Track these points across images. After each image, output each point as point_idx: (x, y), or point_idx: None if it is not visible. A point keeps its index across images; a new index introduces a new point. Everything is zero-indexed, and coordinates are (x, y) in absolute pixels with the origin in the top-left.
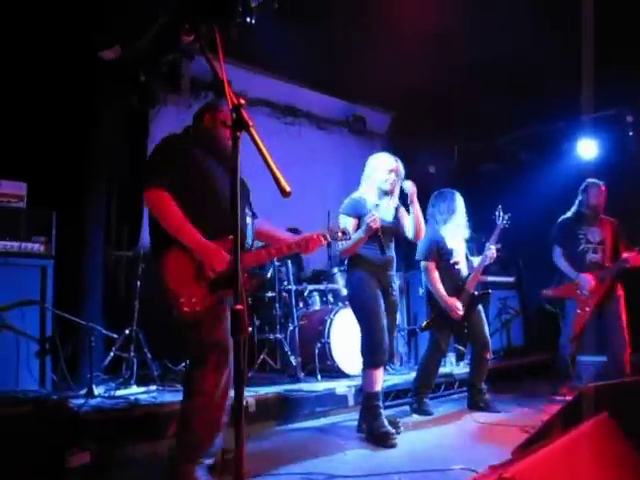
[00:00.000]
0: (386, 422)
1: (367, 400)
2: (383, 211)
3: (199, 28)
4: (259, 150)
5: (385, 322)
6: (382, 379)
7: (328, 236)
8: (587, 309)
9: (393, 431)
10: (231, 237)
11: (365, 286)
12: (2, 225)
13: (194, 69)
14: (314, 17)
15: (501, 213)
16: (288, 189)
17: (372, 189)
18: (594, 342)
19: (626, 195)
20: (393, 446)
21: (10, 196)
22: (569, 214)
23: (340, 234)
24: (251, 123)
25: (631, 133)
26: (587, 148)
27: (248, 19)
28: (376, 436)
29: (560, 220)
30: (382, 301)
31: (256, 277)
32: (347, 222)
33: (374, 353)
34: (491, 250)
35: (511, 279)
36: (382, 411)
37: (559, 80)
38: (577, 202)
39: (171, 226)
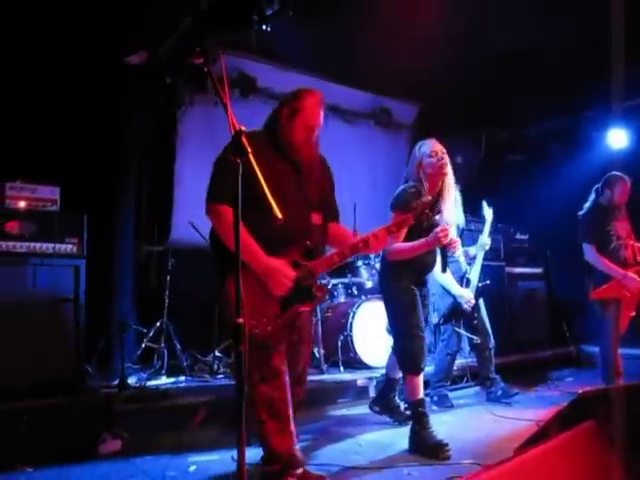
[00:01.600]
0: (435, 432)
1: (413, 408)
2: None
3: (208, 52)
4: (255, 176)
5: (424, 325)
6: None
7: (411, 217)
8: (632, 307)
9: (446, 442)
10: (302, 243)
11: (406, 290)
12: (38, 228)
13: (217, 68)
14: (339, 10)
15: (485, 207)
16: (280, 216)
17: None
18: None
19: None
20: (447, 458)
21: (45, 200)
22: (590, 208)
23: (427, 210)
24: (249, 150)
25: None
26: (617, 138)
27: (264, 27)
28: (428, 448)
29: (586, 215)
30: (421, 304)
31: (325, 287)
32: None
33: (415, 360)
34: (486, 240)
35: (539, 270)
36: (430, 419)
37: (589, 68)
38: (598, 195)
39: (228, 242)
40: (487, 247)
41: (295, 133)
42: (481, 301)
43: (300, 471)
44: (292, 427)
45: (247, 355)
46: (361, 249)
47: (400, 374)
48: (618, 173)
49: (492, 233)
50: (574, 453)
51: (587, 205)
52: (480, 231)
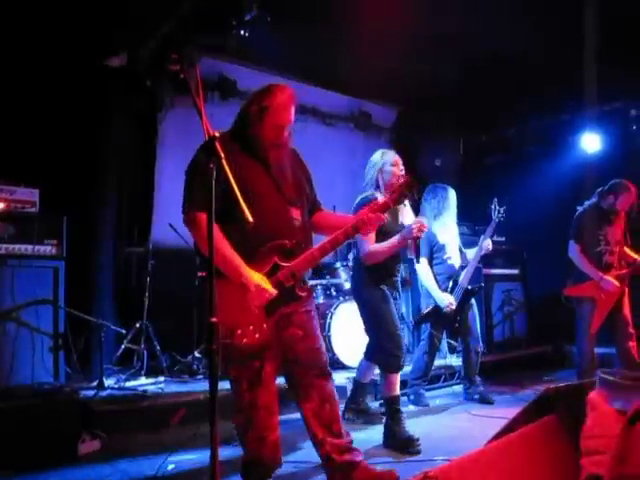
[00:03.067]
0: (407, 427)
1: (389, 404)
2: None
3: (186, 57)
4: (227, 180)
5: (398, 324)
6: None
7: (390, 199)
8: (606, 308)
9: (417, 437)
10: (279, 243)
11: (377, 290)
12: (17, 230)
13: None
14: (318, 13)
15: (497, 206)
16: (251, 219)
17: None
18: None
19: None
20: (418, 453)
21: (24, 202)
22: (588, 208)
23: (405, 190)
24: (222, 155)
25: (635, 127)
26: (591, 142)
27: (242, 32)
28: (400, 442)
29: (580, 215)
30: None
31: (308, 287)
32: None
33: (398, 358)
34: (486, 242)
35: (515, 271)
36: (403, 416)
37: (563, 72)
38: (600, 198)
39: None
40: (485, 245)
41: (265, 132)
42: (473, 303)
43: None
44: (276, 435)
45: (235, 361)
46: (351, 234)
47: (369, 379)
48: (622, 180)
49: (493, 235)
50: (534, 445)
51: (586, 204)
52: (470, 234)
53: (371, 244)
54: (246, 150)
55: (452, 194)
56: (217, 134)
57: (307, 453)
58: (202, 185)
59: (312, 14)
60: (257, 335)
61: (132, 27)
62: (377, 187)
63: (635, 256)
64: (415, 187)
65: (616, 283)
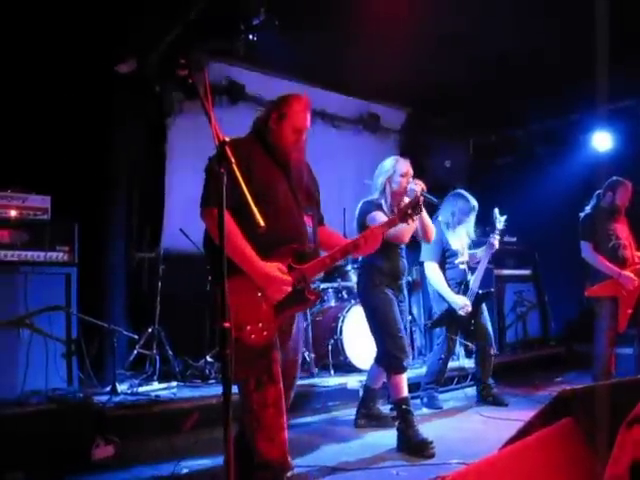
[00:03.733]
0: (420, 429)
1: (398, 406)
2: None
3: (194, 63)
4: (238, 185)
5: (402, 326)
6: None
7: (396, 218)
8: (631, 304)
9: (430, 440)
10: (294, 246)
11: (382, 294)
12: (29, 237)
13: (203, 78)
14: (326, 17)
15: (498, 215)
16: (262, 224)
17: (388, 197)
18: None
19: None
20: (432, 456)
21: (36, 209)
22: (591, 209)
23: (410, 210)
24: (233, 160)
25: None
26: (602, 140)
27: (251, 36)
28: (413, 445)
29: (586, 215)
30: (397, 307)
31: (317, 290)
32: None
33: (399, 359)
34: (494, 238)
35: (527, 272)
36: (415, 418)
37: (574, 72)
38: (599, 199)
39: (227, 247)
40: (492, 241)
41: (284, 136)
42: (484, 307)
43: (289, 474)
44: (284, 435)
45: (242, 360)
46: (351, 251)
47: (380, 384)
48: (620, 178)
49: (501, 240)
50: (551, 448)
51: (588, 207)
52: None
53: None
54: (267, 153)
55: (473, 209)
56: (227, 139)
57: (317, 456)
58: (218, 185)
59: (319, 17)
60: (265, 333)
61: (141, 33)
62: (383, 193)
63: None
64: (419, 209)
65: (635, 278)
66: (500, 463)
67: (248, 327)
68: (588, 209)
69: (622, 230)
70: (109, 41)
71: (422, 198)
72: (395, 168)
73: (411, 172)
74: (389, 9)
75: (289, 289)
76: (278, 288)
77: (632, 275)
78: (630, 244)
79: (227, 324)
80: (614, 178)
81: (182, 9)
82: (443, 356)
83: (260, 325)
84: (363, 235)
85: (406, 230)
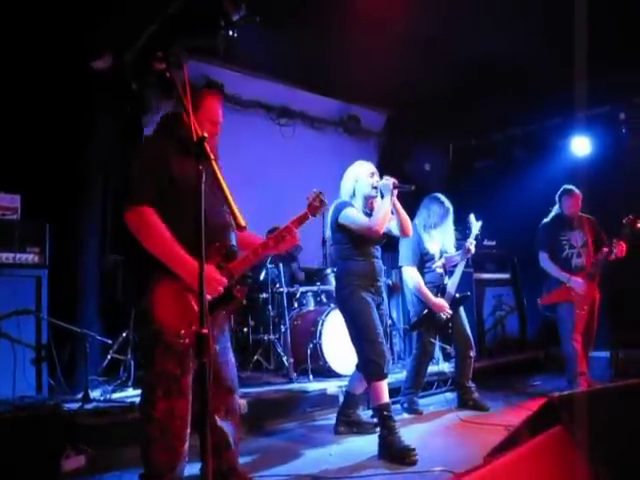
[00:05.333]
0: (402, 437)
1: (379, 412)
2: None
3: (170, 57)
4: (218, 183)
5: (382, 331)
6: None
7: (308, 213)
8: (585, 307)
9: (413, 447)
10: (217, 245)
11: (360, 299)
12: None
13: (182, 74)
14: (307, 17)
15: (473, 220)
16: (243, 224)
17: (359, 200)
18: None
19: (619, 191)
20: (414, 463)
21: (5, 209)
22: (549, 218)
23: (318, 201)
24: (212, 156)
25: (624, 130)
26: (581, 145)
27: (230, 32)
28: (395, 453)
29: (542, 225)
30: (376, 311)
31: (245, 286)
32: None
33: (379, 365)
34: (470, 243)
35: (506, 276)
36: (397, 424)
37: (553, 77)
38: (556, 206)
39: (156, 248)
40: (471, 251)
41: (200, 128)
42: (462, 310)
43: None
44: (185, 448)
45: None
46: (272, 247)
47: (361, 390)
48: (568, 186)
49: (477, 245)
50: (543, 459)
51: (550, 214)
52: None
53: (364, 218)
54: (182, 149)
55: (448, 212)
56: (206, 134)
57: (296, 464)
58: (148, 176)
59: (300, 18)
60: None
61: (117, 28)
62: (354, 196)
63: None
64: (323, 201)
65: (583, 282)
66: (491, 475)
67: (182, 331)
68: (547, 219)
69: (577, 238)
70: (83, 36)
71: (397, 191)
72: (362, 170)
73: (376, 173)
74: (371, 11)
75: (221, 288)
76: (213, 288)
77: (581, 280)
78: (588, 251)
79: (205, 330)
80: (563, 187)
81: (159, 4)
82: (421, 359)
83: (193, 328)
84: (280, 232)
85: (380, 219)
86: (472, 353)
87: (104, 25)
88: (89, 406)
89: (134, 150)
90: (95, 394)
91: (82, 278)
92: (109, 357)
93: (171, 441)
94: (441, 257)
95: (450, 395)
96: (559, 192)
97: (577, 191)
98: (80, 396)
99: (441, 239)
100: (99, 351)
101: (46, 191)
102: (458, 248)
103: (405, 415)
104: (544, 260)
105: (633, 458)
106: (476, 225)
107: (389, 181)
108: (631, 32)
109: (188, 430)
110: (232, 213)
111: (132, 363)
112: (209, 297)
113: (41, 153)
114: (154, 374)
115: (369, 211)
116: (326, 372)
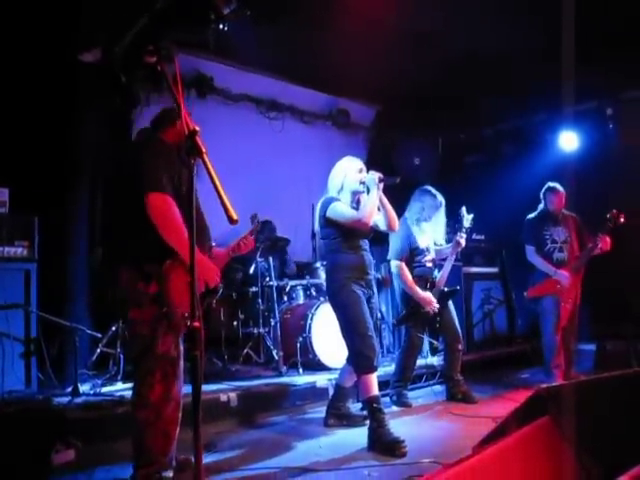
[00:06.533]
0: (392, 428)
1: (369, 405)
2: None
3: (163, 51)
4: (210, 176)
5: (372, 325)
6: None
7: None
8: (570, 300)
9: (402, 439)
10: (204, 243)
11: (350, 292)
12: None
13: (173, 67)
14: (297, 11)
15: (465, 214)
16: (235, 217)
17: (347, 195)
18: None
19: (606, 186)
20: (404, 455)
21: None
22: (535, 213)
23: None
24: (204, 150)
25: (611, 126)
26: (568, 140)
27: (221, 25)
28: (385, 445)
29: (528, 219)
30: (366, 305)
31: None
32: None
33: (369, 358)
34: (460, 237)
35: (495, 270)
36: (386, 416)
37: (541, 72)
38: (542, 202)
39: (173, 235)
40: (462, 245)
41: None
42: (450, 304)
43: (170, 474)
44: (177, 432)
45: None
46: (240, 249)
47: (351, 383)
48: (552, 184)
49: (468, 239)
50: (530, 449)
51: (534, 212)
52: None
53: (352, 211)
54: (171, 150)
55: (440, 205)
56: (197, 128)
57: (286, 456)
58: (166, 169)
59: (291, 12)
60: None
61: (106, 20)
62: (341, 191)
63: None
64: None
65: (569, 275)
66: (480, 465)
67: (186, 314)
68: (533, 213)
69: (560, 234)
70: (72, 27)
71: (382, 184)
72: (351, 165)
73: (365, 167)
74: (360, 6)
75: (219, 278)
76: (213, 277)
77: (567, 273)
78: (570, 247)
79: (197, 323)
80: (547, 185)
81: None
82: (409, 352)
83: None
84: (242, 239)
85: (367, 211)
86: (460, 346)
87: (93, 18)
88: (79, 400)
89: (150, 143)
90: (84, 388)
91: (71, 272)
92: (98, 351)
93: (165, 424)
94: (431, 251)
95: (439, 388)
96: (543, 189)
97: (561, 189)
98: (69, 390)
99: (432, 232)
100: (88, 345)
101: (35, 184)
102: (448, 242)
103: (394, 408)
104: (531, 253)
105: (619, 448)
106: (467, 218)
107: (375, 175)
108: (618, 28)
109: (180, 414)
110: (224, 207)
111: (121, 357)
112: (211, 285)
113: (29, 146)
114: (154, 358)
115: (356, 206)
116: (316, 365)
